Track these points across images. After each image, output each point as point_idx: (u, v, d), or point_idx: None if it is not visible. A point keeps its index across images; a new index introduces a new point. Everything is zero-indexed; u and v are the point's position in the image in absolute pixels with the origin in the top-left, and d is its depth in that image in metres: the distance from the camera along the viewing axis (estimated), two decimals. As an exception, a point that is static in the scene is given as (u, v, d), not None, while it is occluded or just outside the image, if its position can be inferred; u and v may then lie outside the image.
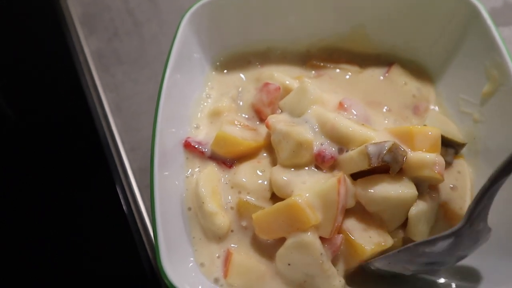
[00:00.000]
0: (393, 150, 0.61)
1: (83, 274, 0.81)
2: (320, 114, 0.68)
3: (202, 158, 0.71)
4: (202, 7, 0.74)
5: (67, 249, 0.83)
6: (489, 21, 0.70)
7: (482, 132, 0.71)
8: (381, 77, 0.82)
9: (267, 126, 0.70)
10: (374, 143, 0.62)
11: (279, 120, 0.69)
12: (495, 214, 0.58)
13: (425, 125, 0.68)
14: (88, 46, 1.03)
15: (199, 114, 0.76)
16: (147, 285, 0.77)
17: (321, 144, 0.66)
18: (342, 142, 0.66)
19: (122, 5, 1.09)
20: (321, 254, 0.59)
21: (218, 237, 0.65)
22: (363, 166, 0.62)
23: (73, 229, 0.85)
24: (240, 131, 0.72)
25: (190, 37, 0.75)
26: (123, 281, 0.80)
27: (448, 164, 0.68)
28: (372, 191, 0.62)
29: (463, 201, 0.68)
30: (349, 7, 0.78)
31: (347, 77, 0.82)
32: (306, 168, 0.66)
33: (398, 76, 0.81)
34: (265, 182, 0.68)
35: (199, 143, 0.72)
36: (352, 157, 0.63)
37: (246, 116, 0.76)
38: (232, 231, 0.66)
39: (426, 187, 0.66)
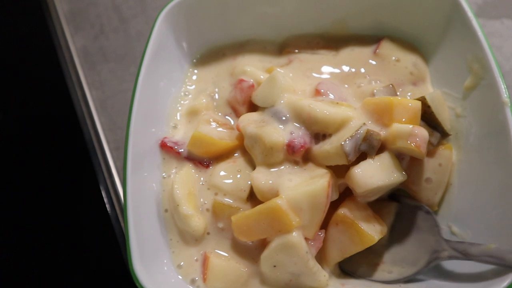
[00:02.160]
0: (368, 137, 0.61)
1: (65, 272, 0.80)
2: (294, 103, 0.67)
3: (178, 158, 0.71)
4: (178, 4, 0.74)
5: (49, 247, 0.82)
6: (470, 14, 0.69)
7: (465, 127, 0.70)
8: (371, 55, 0.79)
9: (238, 130, 0.69)
10: (348, 138, 0.60)
11: (250, 122, 0.68)
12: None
13: (422, 96, 0.67)
14: (74, 43, 1.02)
15: (177, 113, 0.76)
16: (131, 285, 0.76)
17: (291, 133, 0.65)
18: (320, 127, 0.65)
19: (109, 0, 1.08)
20: (307, 252, 0.59)
21: (195, 239, 0.64)
22: (342, 162, 0.62)
23: (56, 227, 0.84)
24: (217, 131, 0.71)
25: (167, 35, 0.74)
26: (106, 280, 0.79)
27: (431, 145, 0.67)
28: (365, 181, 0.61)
29: (433, 193, 0.67)
30: (329, 1, 0.77)
31: (322, 61, 0.80)
32: (286, 166, 0.64)
33: (390, 51, 0.78)
34: (241, 183, 0.67)
35: (176, 143, 0.72)
36: (329, 153, 0.62)
37: (223, 114, 0.75)
38: (208, 233, 0.66)
39: (405, 162, 0.65)
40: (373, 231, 0.61)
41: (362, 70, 0.77)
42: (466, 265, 0.61)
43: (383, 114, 0.64)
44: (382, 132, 0.63)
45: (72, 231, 0.84)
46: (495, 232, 0.60)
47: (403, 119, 0.63)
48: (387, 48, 0.78)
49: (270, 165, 0.65)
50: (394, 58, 0.77)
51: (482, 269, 0.59)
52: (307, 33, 0.82)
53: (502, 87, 0.63)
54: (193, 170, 0.70)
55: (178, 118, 0.75)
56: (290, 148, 0.64)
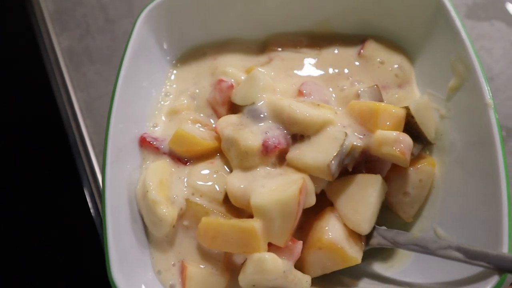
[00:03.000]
0: (351, 152, 0.61)
1: (49, 277, 0.79)
2: (274, 103, 0.66)
3: (157, 153, 0.69)
4: (158, 5, 0.73)
5: (32, 251, 0.81)
6: (454, 15, 0.68)
7: (449, 128, 0.69)
8: (355, 57, 0.78)
9: (216, 132, 0.68)
10: (334, 156, 0.59)
11: (228, 124, 0.67)
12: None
13: (407, 106, 0.66)
14: (59, 44, 1.01)
15: (157, 113, 0.75)
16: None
17: (266, 133, 0.64)
18: (300, 129, 0.65)
19: (95, 0, 1.06)
20: (284, 271, 0.58)
21: (164, 234, 0.62)
22: (324, 177, 0.61)
23: (39, 232, 0.83)
24: (199, 131, 0.70)
25: (147, 36, 0.73)
26: (91, 285, 0.78)
27: (411, 155, 0.66)
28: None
29: (410, 207, 0.67)
30: (314, 2, 0.77)
31: (304, 60, 0.79)
32: (262, 170, 0.64)
33: (375, 53, 0.78)
34: (218, 185, 0.66)
35: (155, 139, 0.71)
36: (312, 167, 0.61)
37: (204, 115, 0.74)
38: (173, 226, 0.63)
39: (385, 172, 0.65)
40: (356, 252, 0.61)
41: (346, 71, 0.77)
42: (450, 268, 0.60)
43: (367, 119, 0.64)
44: (364, 136, 0.63)
45: (56, 236, 0.83)
46: (480, 235, 0.59)
47: (387, 125, 0.63)
48: (372, 50, 0.77)
49: (245, 168, 0.64)
50: (378, 59, 0.77)
51: (467, 271, 0.58)
52: (290, 31, 0.81)
53: (486, 88, 0.62)
54: (170, 164, 0.68)
55: (159, 118, 0.74)
56: (264, 148, 0.64)
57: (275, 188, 0.60)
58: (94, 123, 0.90)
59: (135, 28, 0.70)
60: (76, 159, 0.86)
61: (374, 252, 0.69)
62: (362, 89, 0.69)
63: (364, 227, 0.61)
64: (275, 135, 0.64)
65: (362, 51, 0.77)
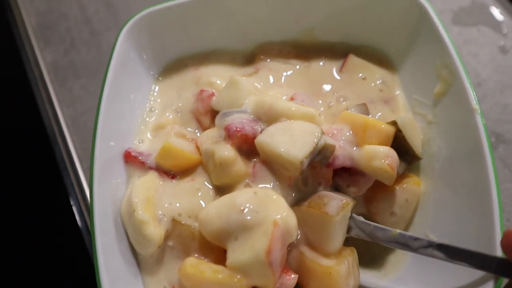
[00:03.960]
0: (324, 150, 0.60)
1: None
2: (258, 99, 0.66)
3: (143, 169, 0.67)
4: (139, 20, 0.72)
5: (21, 271, 0.79)
6: (437, 22, 0.68)
7: (437, 134, 0.69)
8: (337, 73, 0.79)
9: (197, 147, 0.68)
10: (309, 153, 0.58)
11: (207, 138, 0.67)
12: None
13: (394, 121, 0.66)
14: (43, 58, 0.99)
15: (143, 129, 0.74)
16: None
17: (233, 120, 0.64)
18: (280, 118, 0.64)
19: (79, 12, 1.05)
20: None
21: (150, 254, 0.61)
22: (291, 173, 0.60)
23: (28, 251, 0.81)
24: (186, 144, 0.69)
25: (129, 51, 0.72)
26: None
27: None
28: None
29: (396, 226, 0.66)
30: (297, 11, 0.77)
31: (292, 72, 0.78)
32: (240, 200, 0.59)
33: (356, 69, 0.78)
34: (202, 202, 0.64)
35: (141, 153, 0.69)
36: (282, 159, 0.59)
37: (191, 130, 0.74)
38: (159, 246, 0.62)
39: (366, 187, 0.65)
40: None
41: (330, 86, 0.77)
42: (445, 273, 0.60)
43: (357, 132, 0.64)
44: (354, 148, 0.63)
45: (44, 252, 0.81)
46: (472, 239, 0.59)
47: (376, 141, 0.63)
48: (353, 66, 0.77)
49: (221, 190, 0.63)
50: (360, 75, 0.77)
51: (463, 276, 0.58)
52: (276, 41, 0.81)
53: (471, 93, 0.62)
54: (157, 179, 0.67)
55: (144, 134, 0.73)
56: (226, 132, 0.63)
57: (247, 246, 0.55)
58: (81, 139, 0.89)
59: (117, 44, 0.69)
60: (64, 176, 0.84)
61: (367, 261, 0.68)
62: (352, 109, 0.69)
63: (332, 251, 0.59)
64: (241, 121, 0.63)
65: (343, 67, 0.78)
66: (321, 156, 0.60)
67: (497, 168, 0.81)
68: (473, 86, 0.63)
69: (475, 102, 0.62)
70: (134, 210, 0.60)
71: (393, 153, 0.62)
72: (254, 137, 0.63)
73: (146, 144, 0.72)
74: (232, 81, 0.69)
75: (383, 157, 0.61)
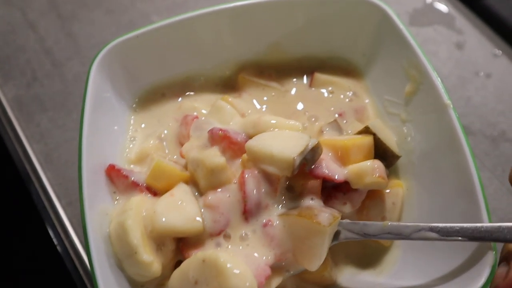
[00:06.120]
0: (315, 149, 0.62)
1: None
2: (245, 119, 0.68)
3: (128, 188, 0.66)
4: (109, 52, 0.70)
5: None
6: (399, 23, 0.71)
7: (412, 131, 0.72)
8: (307, 90, 0.81)
9: (182, 156, 0.67)
10: (300, 152, 0.60)
11: (193, 147, 0.67)
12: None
13: (366, 126, 0.69)
14: (5, 94, 0.95)
15: (126, 161, 0.72)
16: None
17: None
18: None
19: (38, 44, 1.01)
20: None
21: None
22: (284, 173, 0.61)
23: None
24: (174, 164, 0.68)
25: (103, 85, 0.71)
26: None
27: None
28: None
29: None
30: (262, 27, 0.78)
31: (270, 94, 0.80)
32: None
33: (323, 85, 0.80)
34: (191, 213, 0.62)
35: (130, 173, 0.67)
36: (273, 159, 0.60)
37: (176, 157, 0.72)
38: None
39: (361, 200, 0.67)
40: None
41: (302, 104, 0.78)
42: (440, 260, 0.62)
43: (341, 156, 0.66)
44: (344, 171, 0.65)
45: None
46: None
47: (360, 158, 0.65)
48: (320, 82, 0.80)
49: (214, 187, 0.63)
50: (330, 88, 0.79)
51: (457, 259, 0.60)
52: (249, 61, 0.82)
53: (442, 90, 0.65)
54: (146, 200, 0.64)
55: (129, 166, 0.71)
56: (210, 136, 0.65)
57: None
58: (56, 175, 0.85)
59: (90, 79, 0.67)
60: (43, 216, 0.81)
61: (361, 261, 0.70)
62: (327, 128, 0.71)
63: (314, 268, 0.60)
64: (222, 128, 0.66)
65: (311, 85, 0.80)
66: (311, 154, 0.61)
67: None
68: None
69: (446, 97, 0.65)
70: (135, 253, 0.57)
71: (378, 164, 0.65)
72: (237, 141, 0.65)
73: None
74: (217, 107, 0.70)
75: (371, 172, 0.63)
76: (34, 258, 0.81)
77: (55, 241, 0.78)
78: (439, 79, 0.66)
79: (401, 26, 0.71)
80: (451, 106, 0.64)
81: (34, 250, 0.81)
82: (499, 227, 0.54)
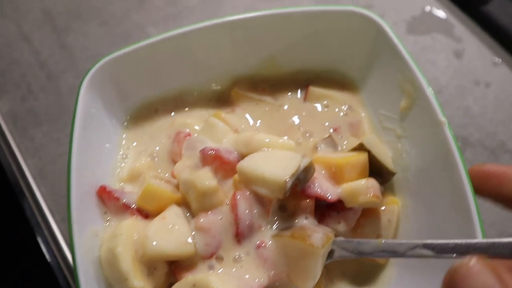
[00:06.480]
0: (308, 168, 0.61)
1: None
2: (237, 136, 0.68)
3: (119, 210, 0.65)
4: (101, 68, 0.70)
5: None
6: (394, 38, 0.70)
7: (408, 147, 0.70)
8: (302, 104, 0.79)
9: (173, 176, 0.67)
10: (292, 174, 0.59)
11: (184, 167, 0.66)
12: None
13: (360, 143, 0.68)
14: (0, 109, 0.94)
15: (118, 180, 0.71)
16: None
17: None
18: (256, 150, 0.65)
19: (33, 57, 1.01)
20: None
21: None
22: (275, 195, 0.60)
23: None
24: (166, 185, 0.67)
25: (94, 102, 0.70)
26: None
27: None
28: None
29: None
30: (256, 41, 0.77)
31: (264, 109, 0.79)
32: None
33: (318, 99, 0.79)
34: (182, 236, 0.61)
35: (122, 193, 0.66)
36: (265, 181, 0.60)
37: (168, 175, 0.72)
38: None
39: (356, 218, 0.66)
40: None
41: (297, 119, 0.77)
42: (435, 275, 0.59)
43: (334, 175, 0.65)
44: (338, 190, 0.64)
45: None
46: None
47: (355, 176, 0.64)
48: (315, 96, 0.78)
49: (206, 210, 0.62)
50: (325, 102, 0.78)
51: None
52: (244, 76, 0.80)
53: (437, 106, 0.64)
54: (137, 223, 0.63)
55: (120, 184, 0.70)
56: (202, 156, 0.64)
57: None
58: (50, 190, 0.85)
59: (79, 98, 0.66)
60: (37, 232, 0.80)
61: (356, 280, 0.69)
62: (322, 145, 0.70)
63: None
64: (214, 147, 0.65)
65: (306, 99, 0.79)
66: (303, 174, 0.60)
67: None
68: (435, 94, 0.65)
69: (441, 114, 0.64)
70: (126, 279, 0.57)
71: (372, 182, 0.64)
72: (229, 161, 0.64)
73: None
74: (209, 124, 0.70)
75: (365, 191, 0.62)
76: (27, 275, 0.80)
77: (48, 257, 0.77)
78: (434, 95, 0.65)
79: (396, 40, 0.70)
80: (446, 123, 0.63)
81: (26, 266, 0.81)
82: (493, 243, 0.53)
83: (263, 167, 0.60)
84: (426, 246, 0.56)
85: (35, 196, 0.84)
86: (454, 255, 0.55)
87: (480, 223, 0.57)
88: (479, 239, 0.56)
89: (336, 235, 0.65)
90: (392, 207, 0.69)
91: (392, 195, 0.71)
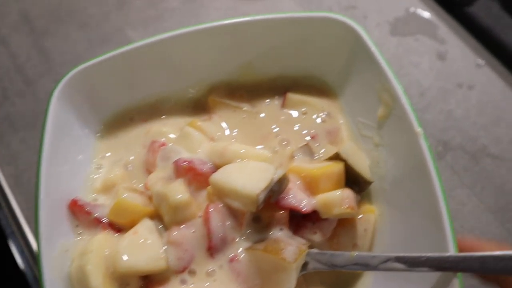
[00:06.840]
0: (281, 180, 0.60)
1: None
2: (213, 146, 0.67)
3: (91, 224, 0.64)
4: (73, 77, 0.68)
5: None
6: (372, 46, 0.69)
7: (385, 155, 0.70)
8: (279, 111, 0.78)
9: (146, 188, 0.66)
10: (265, 187, 0.59)
11: (158, 179, 0.65)
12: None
13: (336, 153, 0.67)
14: (-25, 115, 0.93)
15: (91, 192, 0.69)
16: None
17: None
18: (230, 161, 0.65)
19: (9, 61, 0.99)
20: None
21: None
22: (247, 208, 0.60)
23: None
24: (140, 198, 0.66)
25: (64, 114, 0.68)
26: None
27: None
28: None
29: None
30: (234, 47, 0.75)
31: (241, 117, 0.77)
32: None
33: (296, 106, 0.78)
34: (154, 251, 0.61)
35: (94, 206, 0.65)
36: (237, 195, 0.59)
37: (141, 186, 0.70)
38: None
39: (332, 228, 0.65)
40: None
41: (274, 127, 0.76)
42: (412, 284, 0.60)
43: (309, 185, 0.64)
44: (312, 201, 0.63)
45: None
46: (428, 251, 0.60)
47: (330, 187, 0.64)
48: (293, 102, 0.77)
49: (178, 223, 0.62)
50: (303, 109, 0.77)
51: (430, 281, 0.58)
52: (220, 82, 0.79)
53: (413, 117, 0.63)
54: (109, 238, 0.63)
55: (93, 196, 0.69)
56: (175, 167, 0.64)
57: None
58: (27, 198, 0.84)
59: (50, 107, 0.65)
60: (11, 243, 0.79)
61: (335, 287, 0.68)
62: (299, 154, 0.69)
63: None
64: (191, 157, 0.65)
65: (284, 106, 0.78)
66: (277, 185, 0.60)
67: (446, 176, 0.84)
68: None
69: (417, 125, 0.63)
70: None
71: (348, 193, 0.63)
72: (202, 173, 0.64)
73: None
74: (184, 133, 0.69)
75: (340, 203, 0.62)
76: (0, 286, 0.79)
77: (23, 268, 0.76)
78: (410, 105, 0.64)
79: (374, 48, 0.69)
80: (422, 134, 0.62)
81: (1, 278, 0.80)
82: (465, 257, 0.54)
83: (236, 180, 0.60)
84: (398, 259, 0.57)
85: (11, 206, 0.83)
86: (426, 269, 0.55)
87: (453, 236, 0.57)
88: (451, 252, 0.56)
89: (311, 246, 0.64)
90: (369, 216, 0.68)
91: (369, 204, 0.71)
